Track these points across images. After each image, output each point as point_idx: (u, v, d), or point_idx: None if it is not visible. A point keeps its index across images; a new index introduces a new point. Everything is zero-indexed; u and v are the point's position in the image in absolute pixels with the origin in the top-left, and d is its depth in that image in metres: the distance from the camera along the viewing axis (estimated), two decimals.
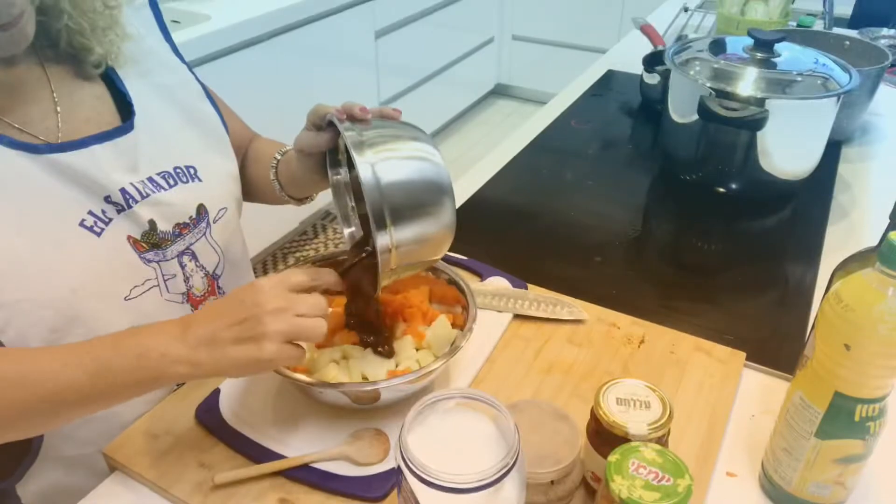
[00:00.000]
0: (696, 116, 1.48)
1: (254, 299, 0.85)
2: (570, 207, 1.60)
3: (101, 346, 0.85)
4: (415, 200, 0.90)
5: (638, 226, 1.54)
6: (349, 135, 0.92)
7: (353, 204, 1.12)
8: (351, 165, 1.08)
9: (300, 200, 1.23)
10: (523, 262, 1.39)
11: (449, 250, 1.34)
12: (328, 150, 1.07)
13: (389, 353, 1.06)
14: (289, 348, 0.86)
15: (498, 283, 1.30)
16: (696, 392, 1.09)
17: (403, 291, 1.15)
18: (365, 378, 1.02)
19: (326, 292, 0.98)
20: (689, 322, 1.24)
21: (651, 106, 2.03)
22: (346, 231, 1.13)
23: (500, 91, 5.34)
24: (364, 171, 0.88)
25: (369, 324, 1.08)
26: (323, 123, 1.03)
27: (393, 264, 0.92)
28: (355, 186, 1.11)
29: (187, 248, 1.10)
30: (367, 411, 1.04)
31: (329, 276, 0.98)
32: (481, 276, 1.32)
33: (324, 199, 1.30)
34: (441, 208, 0.92)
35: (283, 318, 0.85)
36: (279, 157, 1.19)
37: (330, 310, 1.14)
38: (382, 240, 0.89)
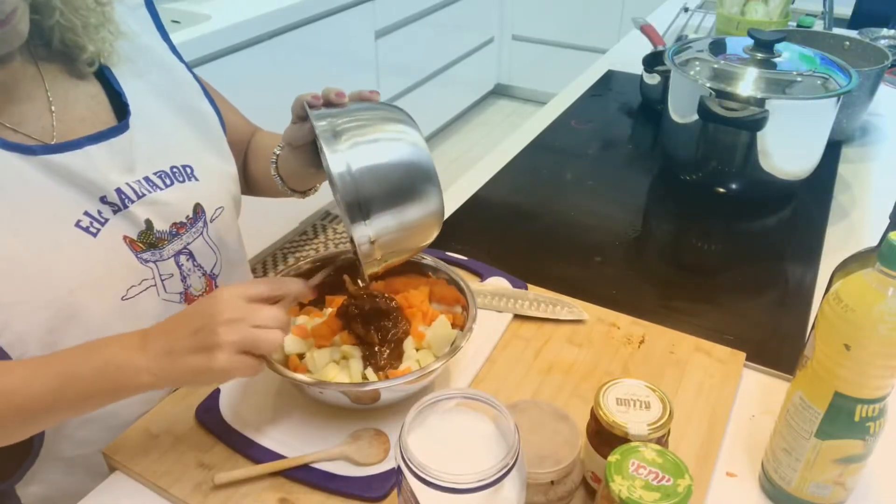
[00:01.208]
0: (696, 117, 1.48)
1: (209, 310, 0.85)
2: (570, 208, 1.59)
3: (69, 356, 0.86)
4: (391, 187, 0.88)
5: (638, 226, 1.53)
6: (319, 124, 0.90)
7: None
8: None
9: (303, 193, 1.21)
10: (523, 262, 1.39)
11: (448, 250, 1.35)
12: (314, 139, 1.05)
13: (380, 366, 1.04)
14: (243, 359, 0.85)
15: (498, 283, 1.29)
16: (697, 392, 1.08)
17: (403, 291, 1.15)
18: (365, 378, 1.01)
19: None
20: (690, 322, 1.23)
21: (651, 106, 2.03)
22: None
23: (500, 91, 5.34)
24: (333, 161, 0.86)
25: (376, 321, 1.07)
26: (304, 113, 1.01)
27: (377, 255, 0.90)
28: None
29: (184, 248, 1.10)
30: (366, 411, 1.04)
31: (294, 286, 0.97)
32: (481, 277, 1.31)
33: (324, 199, 1.29)
34: (422, 192, 0.90)
35: (237, 329, 0.85)
36: (278, 152, 1.17)
37: (328, 310, 1.14)
38: (359, 232, 0.87)
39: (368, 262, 0.92)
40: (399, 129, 0.91)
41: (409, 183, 0.89)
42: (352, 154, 0.87)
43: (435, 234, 0.96)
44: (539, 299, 1.26)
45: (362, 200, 0.86)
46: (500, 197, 1.64)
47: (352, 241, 1.04)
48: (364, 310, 1.07)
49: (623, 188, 1.68)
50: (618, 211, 1.59)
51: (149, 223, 1.05)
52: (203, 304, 0.87)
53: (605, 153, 1.84)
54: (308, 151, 1.08)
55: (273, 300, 0.93)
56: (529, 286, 1.30)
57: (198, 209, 1.12)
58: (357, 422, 1.02)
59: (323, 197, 1.15)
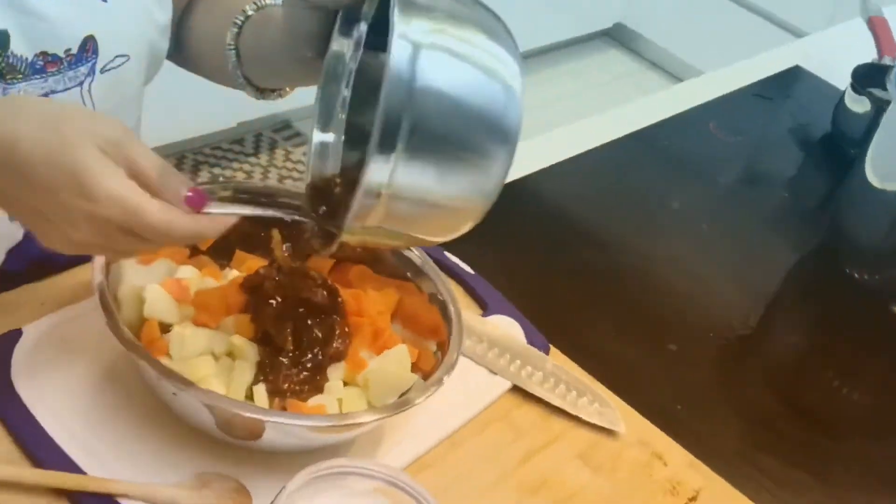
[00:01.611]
0: None
1: (72, 213, 0.87)
2: (657, 253, 1.59)
3: None
4: (452, 130, 0.86)
5: (752, 321, 1.52)
6: None
7: (345, 106, 1.07)
8: (373, 43, 1.03)
9: (261, 91, 1.20)
10: (556, 308, 1.38)
11: (451, 250, 1.31)
12: (347, 5, 1.01)
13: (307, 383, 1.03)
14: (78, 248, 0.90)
15: (506, 326, 1.28)
16: None
17: (357, 287, 1.13)
18: (250, 397, 1.00)
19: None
20: (775, 494, 1.20)
21: (842, 145, 1.97)
22: (316, 139, 1.07)
23: (617, 36, 5.31)
24: (399, 49, 0.83)
25: (310, 317, 1.06)
26: None
27: (372, 220, 0.88)
28: (369, 77, 1.04)
29: (46, 95, 1.08)
30: (234, 450, 1.01)
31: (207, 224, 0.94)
32: (485, 308, 1.30)
33: (289, 102, 1.25)
34: (487, 161, 0.89)
35: (88, 246, 0.89)
36: (250, 13, 1.14)
37: (234, 272, 1.11)
38: (375, 169, 0.84)
39: (352, 226, 0.89)
40: (501, 56, 0.90)
41: (477, 140, 0.88)
42: (426, 54, 0.85)
43: (465, 228, 0.94)
44: (560, 375, 1.24)
45: (407, 120, 0.84)
46: (554, 197, 1.61)
47: (310, 192, 0.99)
48: (287, 293, 1.05)
49: (752, 254, 1.66)
50: (730, 287, 1.58)
51: (4, 38, 1.02)
52: (71, 195, 0.86)
53: (743, 189, 1.82)
54: (320, 23, 1.04)
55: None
56: (552, 349, 1.28)
57: (88, 45, 1.09)
58: (215, 460, 1.00)
59: (289, 99, 1.10)
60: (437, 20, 0.86)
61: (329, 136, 1.07)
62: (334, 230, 0.94)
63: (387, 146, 0.83)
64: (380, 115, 0.83)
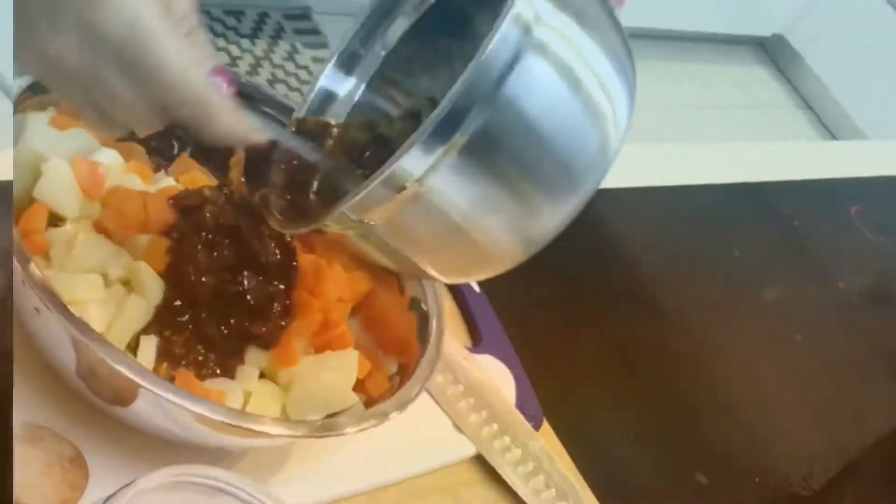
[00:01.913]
0: None
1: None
2: (718, 347, 1.60)
3: None
4: (523, 152, 0.91)
5: (816, 482, 1.54)
6: None
7: (386, 49, 1.12)
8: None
9: None
10: (565, 374, 1.41)
11: None
12: None
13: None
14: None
15: (497, 374, 1.31)
16: None
17: (324, 257, 1.16)
18: (132, 350, 1.02)
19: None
20: None
21: None
22: (329, 73, 1.10)
23: (772, 50, 5.35)
24: (509, 30, 0.88)
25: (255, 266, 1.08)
26: None
27: (374, 216, 0.92)
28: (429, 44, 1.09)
29: None
30: (89, 411, 1.01)
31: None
32: (477, 342, 1.33)
33: None
34: (546, 206, 0.94)
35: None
36: None
37: (169, 180, 1.13)
38: (415, 158, 0.88)
39: (343, 211, 0.92)
40: (615, 97, 0.97)
41: (546, 174, 0.94)
42: (541, 50, 0.91)
43: (479, 275, 0.97)
44: (543, 463, 1.25)
45: (479, 115, 0.89)
46: (620, 230, 1.62)
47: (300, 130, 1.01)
48: (229, 232, 1.07)
49: (849, 396, 1.67)
50: (804, 428, 1.59)
51: None
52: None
53: (870, 307, 1.83)
54: None
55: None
56: (545, 425, 1.30)
57: None
58: (59, 413, 1.02)
59: None
60: (566, 13, 0.91)
61: (347, 80, 1.09)
62: (313, 209, 0.96)
63: (441, 136, 0.86)
64: (452, 96, 0.85)
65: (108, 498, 0.74)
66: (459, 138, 0.86)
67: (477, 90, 0.85)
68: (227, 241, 1.06)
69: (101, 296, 1.02)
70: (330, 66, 1.09)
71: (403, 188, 0.87)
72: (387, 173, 0.86)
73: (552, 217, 0.93)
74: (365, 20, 1.07)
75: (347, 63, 1.08)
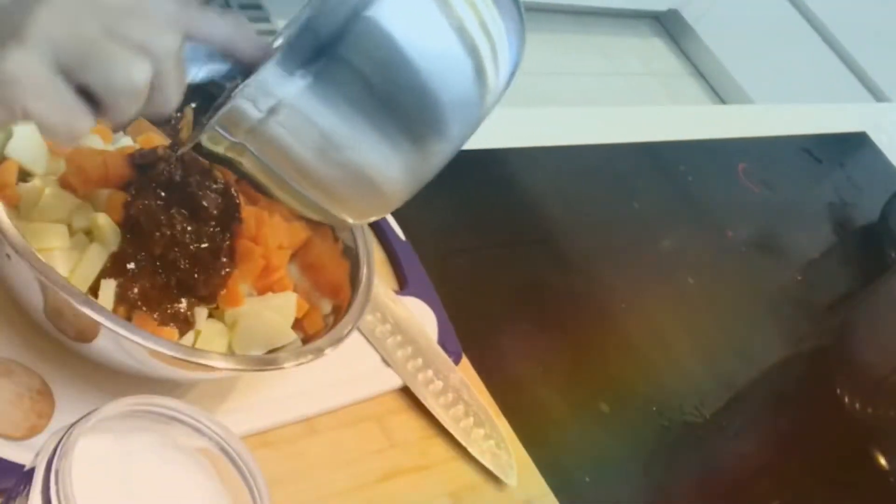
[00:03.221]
0: None
1: None
2: (621, 289, 1.64)
3: None
4: (388, 81, 0.88)
5: (707, 410, 1.57)
6: None
7: None
8: None
9: None
10: (482, 313, 1.41)
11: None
12: None
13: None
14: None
15: (419, 313, 1.31)
16: None
17: (265, 208, 1.15)
18: (94, 292, 1.02)
19: None
20: None
21: (884, 244, 2.01)
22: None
23: (667, 24, 5.37)
24: None
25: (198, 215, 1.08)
26: None
27: (239, 133, 0.90)
28: None
29: None
30: (55, 347, 1.02)
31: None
32: (403, 285, 1.33)
33: None
34: (408, 145, 0.92)
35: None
36: None
37: (126, 140, 1.13)
38: (269, 75, 0.87)
39: (213, 125, 0.91)
40: (488, 19, 0.93)
41: (409, 102, 0.91)
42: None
43: (347, 211, 0.99)
44: (462, 394, 1.25)
45: (335, 49, 0.86)
46: (532, 184, 1.63)
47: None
48: (179, 186, 1.07)
49: (734, 334, 1.70)
50: (695, 362, 1.63)
51: None
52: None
53: (753, 254, 1.85)
54: None
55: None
56: (464, 360, 1.31)
57: None
58: (28, 349, 1.03)
59: None
60: None
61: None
62: (199, 123, 0.95)
63: (296, 56, 0.87)
64: (307, 19, 0.86)
65: (73, 424, 0.73)
66: (307, 59, 0.86)
67: (333, 11, 0.85)
68: (177, 194, 1.05)
69: (65, 244, 1.03)
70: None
71: (272, 111, 0.87)
72: (247, 89, 0.87)
73: (416, 157, 0.92)
74: None
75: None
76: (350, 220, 0.98)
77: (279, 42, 1.04)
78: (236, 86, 0.93)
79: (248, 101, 0.86)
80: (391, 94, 0.88)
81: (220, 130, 0.88)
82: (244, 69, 0.93)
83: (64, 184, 1.06)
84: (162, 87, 0.88)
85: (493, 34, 0.92)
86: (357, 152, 0.90)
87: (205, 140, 0.91)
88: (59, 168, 1.07)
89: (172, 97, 0.89)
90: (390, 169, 0.92)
